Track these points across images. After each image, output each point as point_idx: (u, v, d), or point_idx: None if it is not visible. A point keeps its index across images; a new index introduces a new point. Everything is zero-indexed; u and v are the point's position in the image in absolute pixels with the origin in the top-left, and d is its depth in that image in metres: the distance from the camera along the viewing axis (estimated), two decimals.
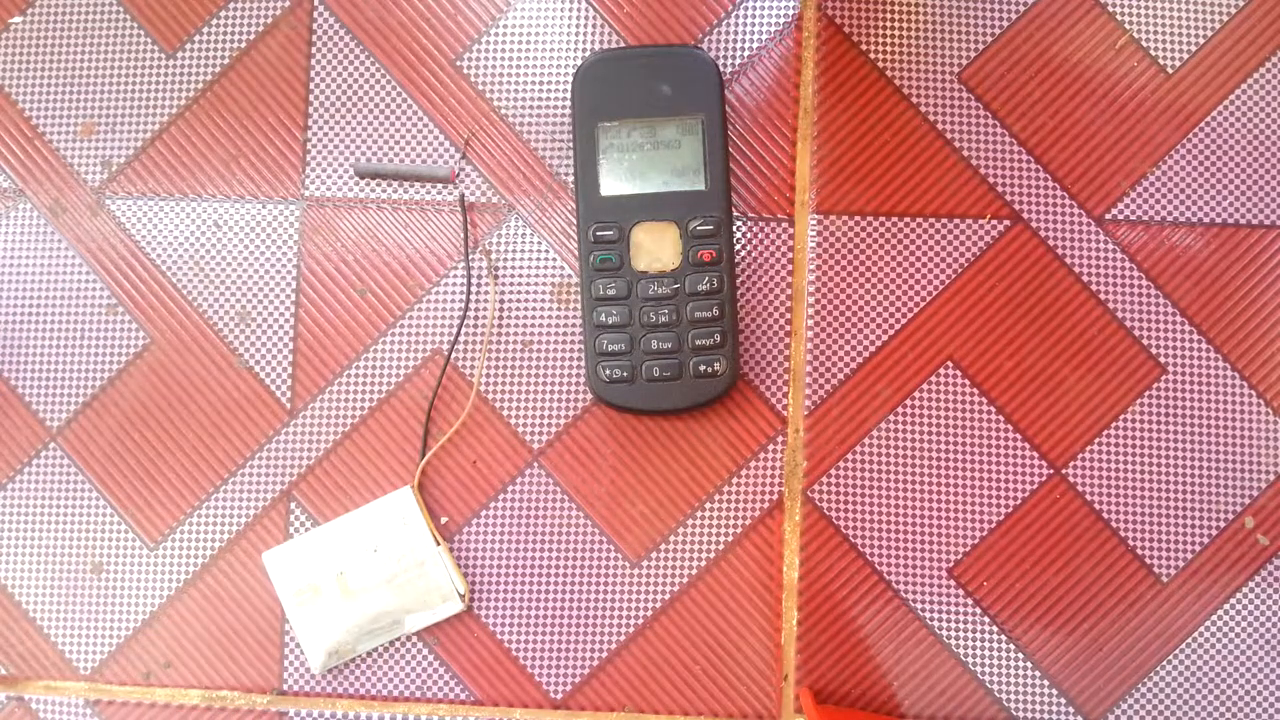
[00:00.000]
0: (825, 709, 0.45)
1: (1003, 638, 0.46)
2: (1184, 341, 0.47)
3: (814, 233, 0.48)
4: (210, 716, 0.47)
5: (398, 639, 0.47)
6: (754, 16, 0.48)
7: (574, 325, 0.48)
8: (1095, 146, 0.48)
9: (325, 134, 0.48)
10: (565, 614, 0.47)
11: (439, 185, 0.48)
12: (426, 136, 0.48)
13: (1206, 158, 0.47)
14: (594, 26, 0.48)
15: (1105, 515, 0.47)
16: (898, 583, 0.47)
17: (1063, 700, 0.46)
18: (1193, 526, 0.46)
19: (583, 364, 0.47)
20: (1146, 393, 0.47)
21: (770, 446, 0.47)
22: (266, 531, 0.47)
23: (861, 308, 0.47)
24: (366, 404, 0.48)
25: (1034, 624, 0.46)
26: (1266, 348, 0.47)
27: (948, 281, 0.47)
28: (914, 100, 0.48)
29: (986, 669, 0.46)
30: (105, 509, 0.48)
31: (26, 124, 0.49)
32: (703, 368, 0.45)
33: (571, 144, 0.47)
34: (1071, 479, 0.47)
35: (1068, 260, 0.47)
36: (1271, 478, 0.46)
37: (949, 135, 0.48)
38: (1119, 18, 0.48)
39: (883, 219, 0.48)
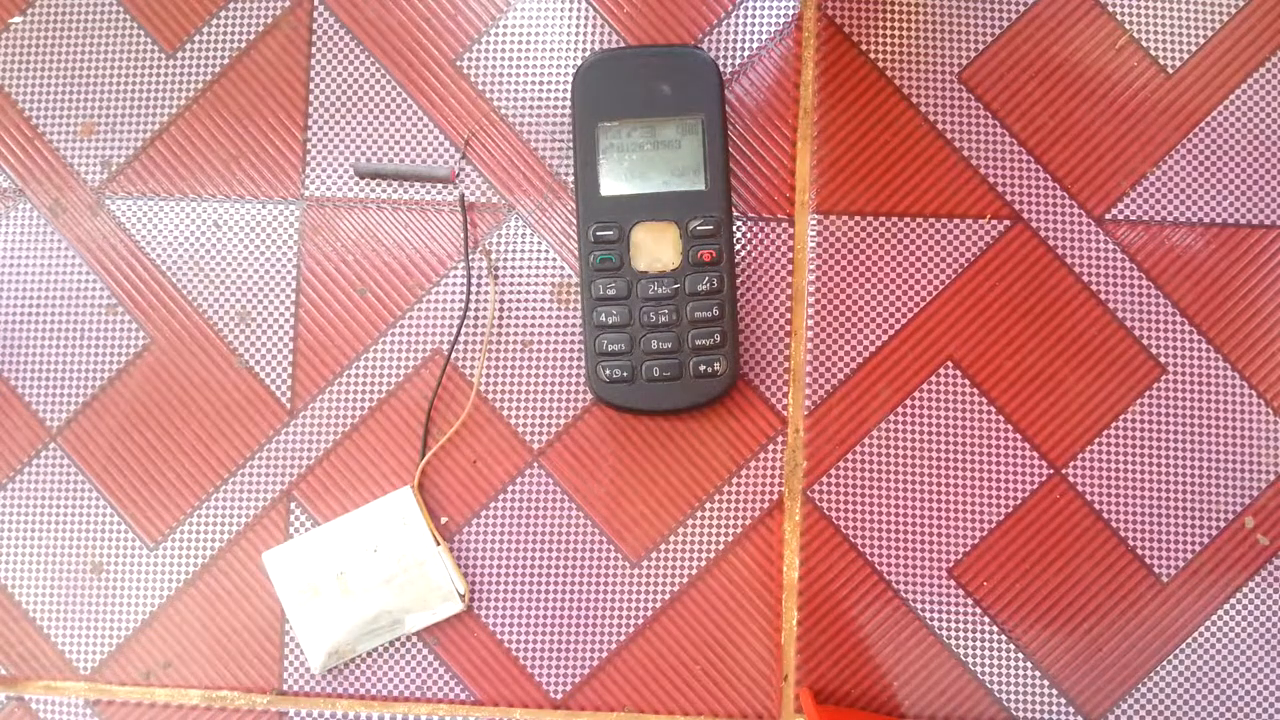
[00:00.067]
0: (825, 709, 0.45)
1: (1003, 638, 0.46)
2: (1184, 341, 0.47)
3: (814, 233, 0.48)
4: (210, 716, 0.47)
5: (398, 639, 0.47)
6: (754, 16, 0.48)
7: (574, 325, 0.48)
8: (1095, 146, 0.48)
9: (325, 134, 0.48)
10: (565, 614, 0.47)
11: (439, 185, 0.48)
12: (426, 136, 0.48)
13: (1206, 158, 0.47)
14: (594, 26, 0.48)
15: (1105, 515, 0.47)
16: (898, 583, 0.47)
17: (1063, 700, 0.46)
18: (1193, 526, 0.46)
19: (583, 364, 0.47)
20: (1146, 393, 0.47)
21: (770, 446, 0.47)
22: (266, 531, 0.47)
23: (861, 308, 0.47)
24: (366, 404, 0.48)
25: (1034, 624, 0.46)
26: (1266, 348, 0.47)
27: (948, 281, 0.47)
28: (914, 100, 0.48)
29: (986, 669, 0.46)
30: (105, 509, 0.48)
31: (26, 124, 0.49)
32: (703, 368, 0.45)
33: (571, 144, 0.47)
34: (1071, 479, 0.47)
35: (1068, 260, 0.47)
36: (1271, 478, 0.46)
37: (949, 135, 0.48)
38: (1119, 18, 0.48)
39: (883, 219, 0.48)
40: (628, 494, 0.47)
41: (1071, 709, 0.46)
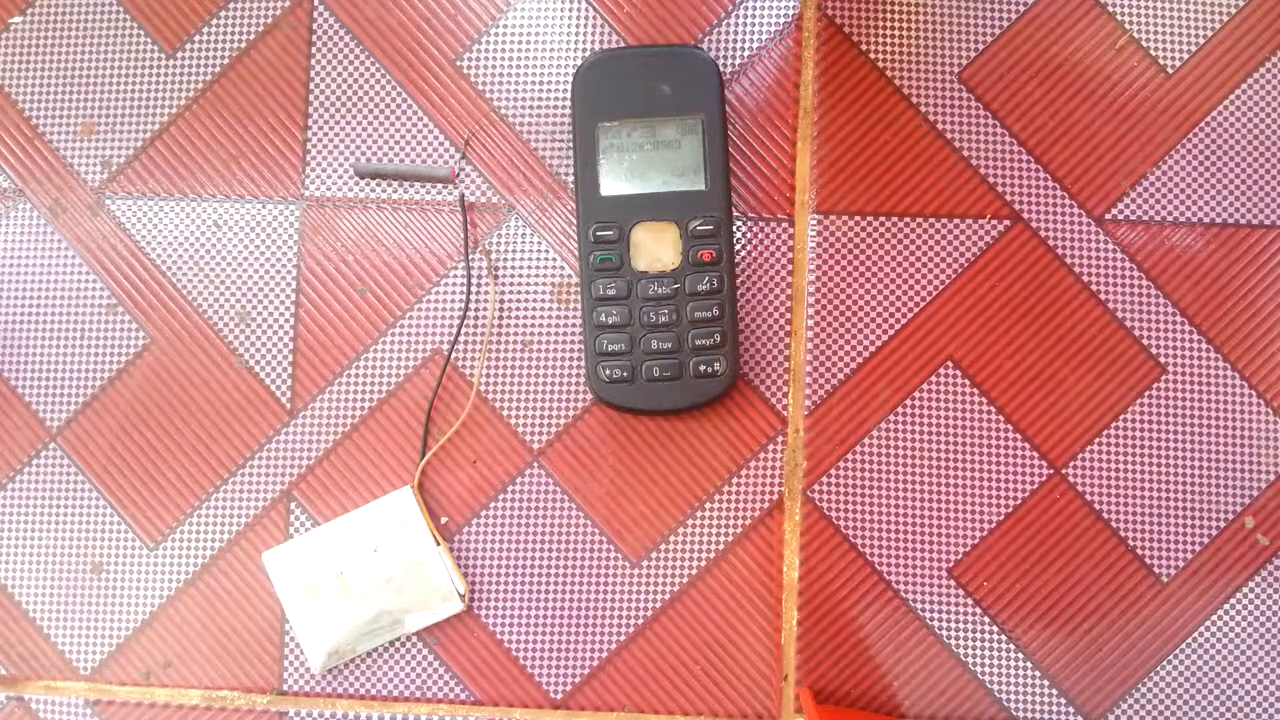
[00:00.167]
0: (825, 709, 0.45)
1: (1003, 638, 0.46)
2: (1184, 341, 0.47)
3: (814, 233, 0.48)
4: (210, 716, 0.47)
5: (398, 639, 0.47)
6: (754, 16, 0.48)
7: (574, 325, 0.48)
8: (1095, 146, 0.48)
9: (325, 134, 0.48)
10: (565, 614, 0.47)
11: (439, 185, 0.48)
12: (426, 136, 0.48)
13: (1206, 158, 0.47)
14: (594, 26, 0.48)
15: (1105, 515, 0.47)
16: (898, 583, 0.47)
17: (1063, 700, 0.46)
18: (1193, 526, 0.46)
19: (583, 364, 0.47)
20: (1146, 393, 0.47)
21: (770, 446, 0.47)
22: (266, 531, 0.47)
23: (861, 308, 0.47)
24: (366, 404, 0.48)
25: (1034, 624, 0.46)
26: (1266, 348, 0.47)
27: (948, 281, 0.47)
28: (914, 100, 0.48)
29: (986, 669, 0.46)
30: (105, 509, 0.48)
31: (26, 124, 0.49)
32: (703, 368, 0.45)
33: (571, 144, 0.47)
34: (1071, 479, 0.47)
35: (1068, 260, 0.47)
36: (1271, 478, 0.46)
37: (949, 135, 0.48)
38: (1119, 18, 0.48)
39: (883, 219, 0.48)
40: (628, 494, 0.47)
41: (1071, 709, 0.46)
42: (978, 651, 0.46)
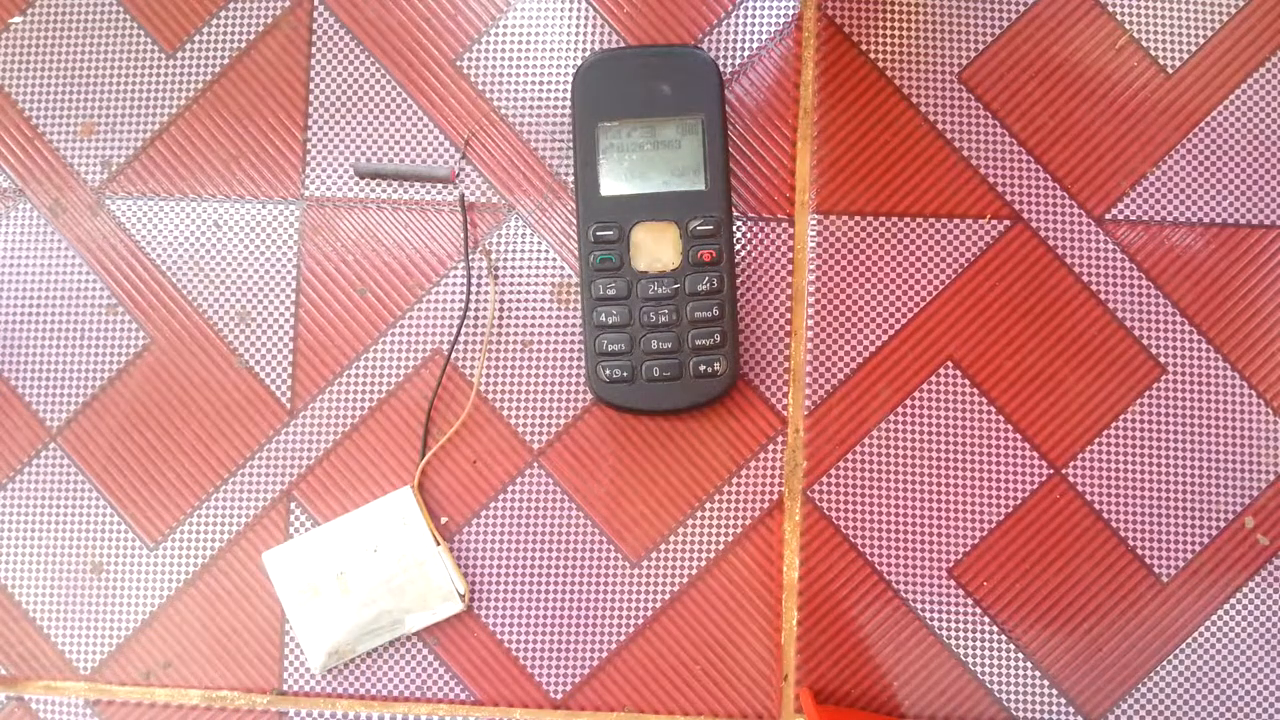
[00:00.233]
0: (825, 709, 0.45)
1: (1003, 638, 0.46)
2: (1184, 341, 0.47)
3: (814, 233, 0.48)
4: (210, 716, 0.47)
5: (398, 639, 0.47)
6: (754, 16, 0.48)
7: (574, 325, 0.48)
8: (1095, 146, 0.48)
9: (325, 134, 0.48)
10: (565, 614, 0.47)
11: (439, 185, 0.48)
12: (426, 136, 0.48)
13: (1206, 158, 0.47)
14: (594, 26, 0.48)
15: (1105, 515, 0.47)
16: (898, 583, 0.47)
17: (1063, 700, 0.46)
18: (1193, 526, 0.46)
19: (583, 364, 0.47)
20: (1146, 393, 0.47)
21: (770, 446, 0.47)
22: (266, 531, 0.47)
23: (861, 308, 0.47)
24: (366, 404, 0.48)
25: (1034, 624, 0.46)
26: (1266, 348, 0.47)
27: (948, 281, 0.47)
28: (914, 100, 0.48)
29: (986, 669, 0.46)
30: (105, 509, 0.48)
31: (26, 124, 0.49)
32: (703, 368, 0.45)
33: (571, 144, 0.47)
34: (1071, 479, 0.47)
35: (1068, 260, 0.47)
36: (1271, 478, 0.46)
37: (949, 135, 0.48)
38: (1119, 18, 0.48)
39: (883, 219, 0.48)
40: (628, 494, 0.47)
41: (1071, 709, 0.46)
42: (978, 651, 0.46)
